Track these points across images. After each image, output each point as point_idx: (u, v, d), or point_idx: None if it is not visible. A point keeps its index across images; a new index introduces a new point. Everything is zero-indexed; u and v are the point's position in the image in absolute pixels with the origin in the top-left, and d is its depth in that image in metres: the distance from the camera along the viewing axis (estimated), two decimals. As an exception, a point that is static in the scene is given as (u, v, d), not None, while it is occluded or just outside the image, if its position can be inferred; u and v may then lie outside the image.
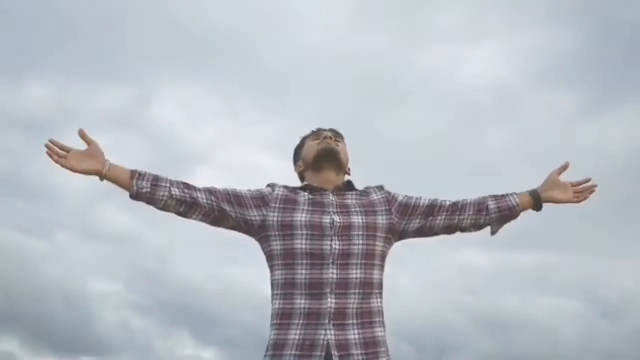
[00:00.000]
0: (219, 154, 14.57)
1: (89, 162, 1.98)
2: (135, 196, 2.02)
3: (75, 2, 13.85)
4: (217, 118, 15.37)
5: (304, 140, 2.30)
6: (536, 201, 2.19)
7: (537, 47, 13.78)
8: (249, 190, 2.12)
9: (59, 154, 1.96)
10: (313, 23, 14.69)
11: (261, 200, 2.09)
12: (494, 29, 14.36)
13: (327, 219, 2.01)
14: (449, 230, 2.19)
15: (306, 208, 2.05)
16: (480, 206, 2.17)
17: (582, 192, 2.23)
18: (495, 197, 2.20)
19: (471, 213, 2.17)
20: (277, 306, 1.98)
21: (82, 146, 2.01)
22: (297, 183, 2.27)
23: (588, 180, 2.23)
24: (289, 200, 2.08)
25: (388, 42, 14.55)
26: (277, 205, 2.07)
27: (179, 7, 14.18)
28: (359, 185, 2.22)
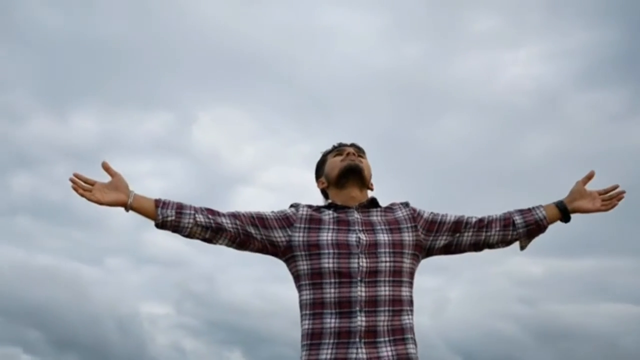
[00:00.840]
0: (260, 173, 14.68)
1: (114, 194, 1.99)
2: (161, 225, 2.03)
3: (113, 33, 14.18)
4: (257, 138, 15.50)
5: (325, 156, 2.30)
6: (563, 212, 2.15)
7: (577, 47, 13.52)
8: (273, 212, 2.12)
9: (83, 187, 1.98)
10: (349, 38, 14.72)
11: (285, 220, 2.08)
12: (532, 32, 14.15)
13: (352, 237, 2.01)
14: (476, 246, 2.17)
15: (331, 227, 2.04)
16: (506, 221, 2.15)
17: (610, 199, 2.18)
18: (521, 211, 2.16)
19: (498, 229, 2.14)
20: (306, 326, 1.97)
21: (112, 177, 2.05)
22: (320, 200, 2.28)
23: (615, 188, 2.18)
24: (314, 219, 2.07)
25: (424, 51, 14.48)
26: (302, 225, 2.06)
27: (216, 31, 14.39)
28: (385, 201, 2.20)
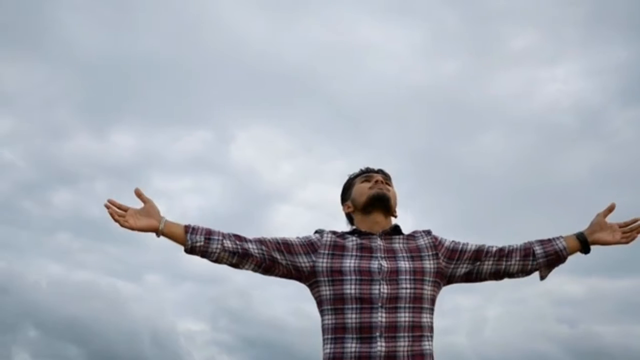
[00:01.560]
0: (297, 191, 14.73)
1: (146, 220, 2.08)
2: (190, 250, 2.11)
3: (152, 52, 14.45)
4: (294, 155, 15.58)
5: (353, 180, 2.36)
6: (583, 244, 2.18)
7: (616, 64, 13.31)
8: (298, 238, 2.19)
9: (118, 213, 2.07)
10: (385, 55, 14.75)
11: (310, 246, 2.15)
12: (570, 47, 13.99)
13: (375, 264, 2.06)
14: (497, 275, 2.21)
15: (354, 253, 2.10)
16: (526, 251, 2.18)
17: (630, 232, 2.20)
18: (542, 242, 2.20)
19: (518, 258, 2.18)
20: (328, 350, 2.02)
21: (140, 203, 2.13)
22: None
23: (636, 221, 2.21)
24: (338, 246, 2.14)
25: (462, 68, 14.41)
26: (326, 252, 2.12)
27: (253, 49, 14.55)
28: (410, 228, 2.26)
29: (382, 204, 2.22)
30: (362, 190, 2.26)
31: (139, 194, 2.12)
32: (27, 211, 14.64)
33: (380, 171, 2.35)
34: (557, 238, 2.20)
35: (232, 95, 14.98)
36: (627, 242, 2.20)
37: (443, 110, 14.58)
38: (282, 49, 14.78)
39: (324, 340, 2.06)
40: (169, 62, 14.79)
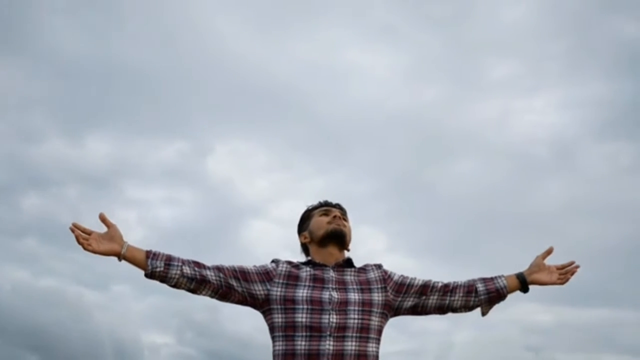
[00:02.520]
0: (272, 207, 14.70)
1: (108, 244, 2.16)
2: (150, 275, 2.21)
3: (134, 60, 14.39)
4: (271, 171, 15.57)
5: (311, 212, 2.46)
6: (523, 283, 2.34)
7: (594, 98, 13.57)
8: (254, 266, 2.30)
9: (82, 236, 2.14)
10: (367, 78, 14.87)
11: (265, 275, 2.26)
12: (549, 80, 14.24)
13: (326, 295, 2.18)
14: (441, 310, 2.35)
15: (308, 284, 2.22)
16: (469, 288, 2.33)
17: (565, 274, 2.37)
18: (484, 280, 2.35)
19: (461, 295, 2.32)
20: None
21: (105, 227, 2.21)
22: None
23: (571, 264, 2.38)
24: (292, 276, 2.25)
25: (442, 95, 14.59)
26: (281, 281, 2.24)
27: (237, 64, 14.58)
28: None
29: (339, 239, 2.34)
30: (320, 225, 2.38)
31: (103, 219, 2.19)
32: (-5, 214, 14.37)
33: (337, 206, 2.46)
34: (499, 277, 2.35)
35: (213, 107, 14.98)
36: (562, 283, 2.37)
37: (422, 135, 14.72)
38: (267, 64, 14.83)
39: None
40: (151, 71, 14.75)
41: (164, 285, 2.30)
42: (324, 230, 2.35)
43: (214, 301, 2.35)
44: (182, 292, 2.31)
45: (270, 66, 14.78)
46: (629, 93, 13.18)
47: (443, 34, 14.19)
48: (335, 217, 2.38)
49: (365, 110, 14.95)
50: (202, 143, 15.48)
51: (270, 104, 15.02)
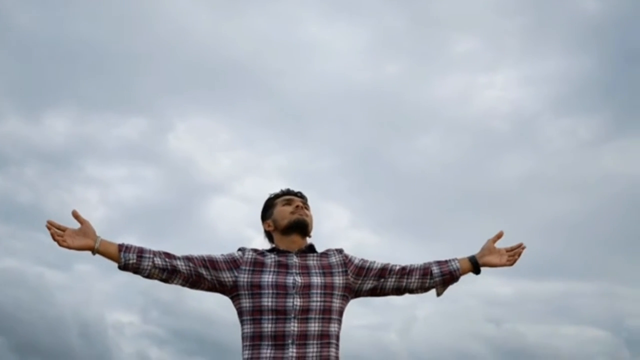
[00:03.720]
0: (234, 184, 14.65)
1: (83, 240, 2.30)
2: (123, 267, 2.36)
3: (92, 37, 14.08)
4: (233, 148, 15.48)
5: (274, 201, 2.60)
6: (475, 265, 2.52)
7: (554, 74, 13.79)
8: (222, 255, 2.45)
9: (57, 233, 2.28)
10: (329, 53, 14.82)
11: (233, 263, 2.41)
12: (510, 56, 14.39)
13: (290, 279, 2.34)
14: (398, 291, 2.52)
15: (272, 269, 2.37)
16: (425, 270, 2.50)
17: (514, 255, 2.56)
18: (439, 263, 2.52)
19: (417, 277, 2.49)
20: (247, 356, 2.29)
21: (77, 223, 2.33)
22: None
23: (520, 245, 2.56)
24: (257, 262, 2.40)
25: (403, 70, 14.63)
26: (247, 268, 2.39)
27: (195, 39, 14.38)
28: (321, 247, 2.53)
29: (302, 228, 2.49)
30: (284, 215, 2.52)
31: (76, 216, 2.32)
32: (-48, 195, 14.02)
33: (299, 194, 2.61)
34: (453, 260, 2.53)
35: (172, 84, 14.77)
36: (510, 265, 2.54)
37: (384, 110, 14.76)
38: (226, 41, 14.65)
39: (243, 347, 2.33)
40: (109, 47, 14.45)
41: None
42: (288, 220, 2.50)
43: None
44: None
45: (229, 42, 14.62)
46: (588, 68, 13.42)
47: (405, 8, 14.20)
48: (297, 207, 2.52)
49: (327, 85, 14.94)
50: (162, 120, 15.29)
51: (230, 80, 14.88)
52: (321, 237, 2.60)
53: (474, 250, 2.59)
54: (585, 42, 13.40)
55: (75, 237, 2.29)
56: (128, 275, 2.41)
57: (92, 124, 15.12)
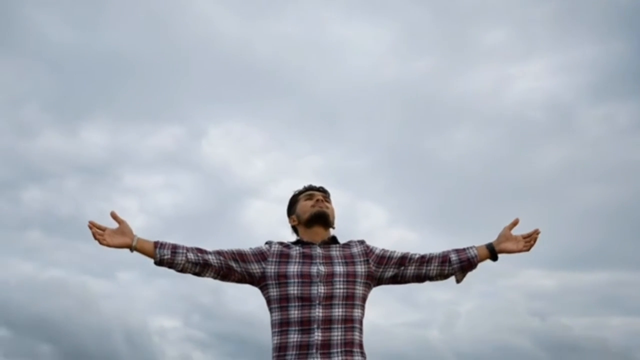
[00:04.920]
0: (270, 186, 14.73)
1: (121, 238, 2.49)
2: (159, 262, 2.53)
3: (122, 48, 14.29)
4: (266, 151, 15.56)
5: (297, 197, 2.78)
6: (492, 252, 2.62)
7: (587, 61, 13.54)
8: (250, 248, 2.62)
9: (98, 232, 2.47)
10: (357, 51, 14.82)
11: (260, 255, 2.59)
12: (542, 45, 14.18)
13: (314, 269, 2.50)
14: (418, 278, 2.64)
15: (298, 260, 2.54)
16: (444, 258, 2.62)
17: (530, 241, 2.64)
18: (457, 250, 2.64)
19: (436, 264, 2.61)
20: (275, 341, 2.47)
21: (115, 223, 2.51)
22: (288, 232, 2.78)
23: (535, 231, 2.64)
24: (283, 254, 2.58)
25: (434, 65, 14.54)
26: (274, 259, 2.56)
27: (225, 45, 14.50)
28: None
29: (322, 220, 2.66)
30: (305, 208, 2.70)
31: (114, 216, 2.51)
32: (-3, 209, 14.38)
33: (320, 189, 2.77)
34: (470, 247, 2.64)
35: (204, 90, 14.94)
36: (527, 250, 2.63)
37: (415, 106, 14.70)
38: (254, 44, 14.76)
39: (272, 333, 2.50)
40: (140, 58, 14.68)
41: (168, 271, 2.58)
42: (309, 213, 2.67)
43: (218, 283, 2.65)
44: (186, 276, 2.61)
45: (257, 45, 14.73)
46: (622, 53, 13.14)
47: (430, 2, 14.10)
48: (317, 200, 2.69)
49: (357, 84, 14.93)
50: (195, 127, 15.49)
51: (260, 83, 14.98)
52: (359, 236, 2.72)
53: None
54: (618, 27, 13.14)
55: (114, 235, 2.48)
56: (168, 281, 2.50)
57: (128, 135, 15.39)
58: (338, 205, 2.74)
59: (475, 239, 2.63)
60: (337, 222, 2.69)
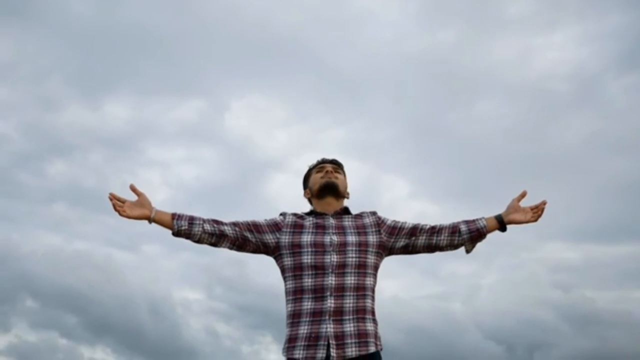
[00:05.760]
0: (293, 159, 14.75)
1: (140, 210, 2.58)
2: (176, 233, 2.63)
3: (145, 22, 14.31)
4: (289, 124, 15.56)
5: (310, 171, 2.87)
6: (501, 223, 2.68)
7: (614, 30, 13.26)
8: (265, 219, 2.71)
9: (117, 204, 2.56)
10: (381, 23, 14.66)
11: (275, 226, 2.68)
12: (568, 15, 13.91)
13: (327, 239, 2.58)
14: (429, 248, 2.71)
15: (311, 230, 2.62)
16: (454, 229, 2.69)
17: (537, 212, 2.69)
18: (467, 222, 2.70)
19: (446, 235, 2.68)
20: (290, 308, 2.55)
21: (134, 196, 2.60)
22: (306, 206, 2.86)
23: (542, 202, 2.69)
24: (297, 225, 2.66)
25: (458, 36, 14.35)
26: (288, 230, 2.64)
27: (247, 19, 14.44)
28: (356, 209, 2.77)
29: (331, 190, 2.73)
30: (316, 180, 2.78)
31: (133, 189, 2.60)
32: (23, 183, 14.67)
33: (332, 161, 2.84)
34: (480, 219, 2.70)
35: (226, 64, 14.91)
36: (535, 220, 2.69)
37: (439, 78, 14.56)
38: (277, 17, 14.67)
39: (286, 300, 2.58)
40: (163, 32, 14.68)
41: (192, 244, 2.67)
42: (319, 184, 2.75)
43: (241, 255, 2.75)
44: (209, 249, 2.71)
45: (279, 18, 14.64)
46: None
47: (456, -28, 13.83)
48: (327, 172, 2.77)
49: (379, 56, 14.80)
50: (218, 100, 15.52)
51: (283, 56, 14.92)
52: (381, 208, 2.78)
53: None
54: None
55: (133, 207, 2.58)
56: (192, 254, 2.56)
57: (151, 108, 15.48)
58: (360, 177, 2.77)
59: (497, 212, 2.67)
60: (360, 193, 2.76)
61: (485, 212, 2.67)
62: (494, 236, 2.70)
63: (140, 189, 2.59)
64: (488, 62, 14.54)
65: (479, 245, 2.70)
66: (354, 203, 2.70)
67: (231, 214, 2.58)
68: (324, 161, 2.84)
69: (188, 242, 2.64)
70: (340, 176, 2.79)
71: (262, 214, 2.73)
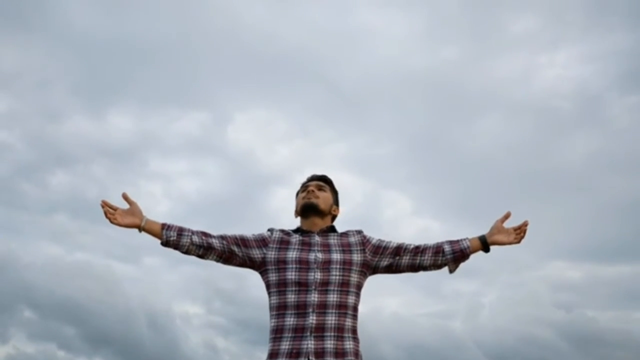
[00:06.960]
0: (294, 174, 14.74)
1: (131, 218, 2.63)
2: (165, 243, 2.68)
3: (149, 34, 14.37)
4: (291, 138, 15.56)
5: (299, 190, 2.91)
6: (484, 244, 2.71)
7: (617, 49, 13.28)
8: (253, 234, 2.76)
9: (109, 211, 2.60)
10: (385, 40, 14.72)
11: (262, 242, 2.72)
12: (571, 33, 13.95)
13: (312, 256, 2.62)
14: (413, 268, 2.75)
15: (296, 247, 2.67)
16: (437, 249, 2.72)
17: (519, 233, 2.72)
18: (450, 242, 2.74)
19: (430, 255, 2.72)
20: (273, 324, 2.60)
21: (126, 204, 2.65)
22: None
23: (524, 223, 2.73)
24: (284, 241, 2.71)
25: (461, 53, 14.39)
26: (274, 246, 2.69)
27: (251, 32, 14.49)
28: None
29: (312, 210, 2.77)
30: (298, 201, 2.84)
31: (125, 197, 2.65)
32: (25, 192, 14.68)
33: (315, 178, 2.89)
34: (464, 239, 2.73)
35: (230, 77, 14.95)
36: (518, 242, 2.73)
37: (442, 94, 14.59)
38: (281, 31, 14.74)
39: (270, 315, 2.63)
40: (167, 44, 14.75)
41: (192, 257, 2.70)
42: (300, 205, 2.81)
43: (239, 270, 2.78)
44: (210, 263, 2.73)
45: (283, 33, 14.71)
46: (655, 42, 12.83)
47: (460, -11, 13.89)
48: (309, 192, 2.80)
49: (383, 72, 14.85)
50: (221, 113, 15.57)
51: (286, 71, 14.98)
52: (384, 225, 2.78)
53: (543, 233, 2.63)
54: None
55: (125, 215, 2.63)
56: (192, 267, 2.54)
57: (154, 120, 15.52)
58: (362, 193, 2.77)
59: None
60: (361, 209, 2.77)
61: (487, 229, 2.69)
62: (496, 254, 2.73)
63: (141, 201, 2.63)
64: (491, 79, 14.59)
65: (480, 263, 2.69)
66: (356, 218, 2.73)
67: (232, 228, 2.62)
68: (309, 179, 2.89)
69: (189, 255, 2.67)
70: (323, 194, 2.82)
71: (263, 228, 2.78)
